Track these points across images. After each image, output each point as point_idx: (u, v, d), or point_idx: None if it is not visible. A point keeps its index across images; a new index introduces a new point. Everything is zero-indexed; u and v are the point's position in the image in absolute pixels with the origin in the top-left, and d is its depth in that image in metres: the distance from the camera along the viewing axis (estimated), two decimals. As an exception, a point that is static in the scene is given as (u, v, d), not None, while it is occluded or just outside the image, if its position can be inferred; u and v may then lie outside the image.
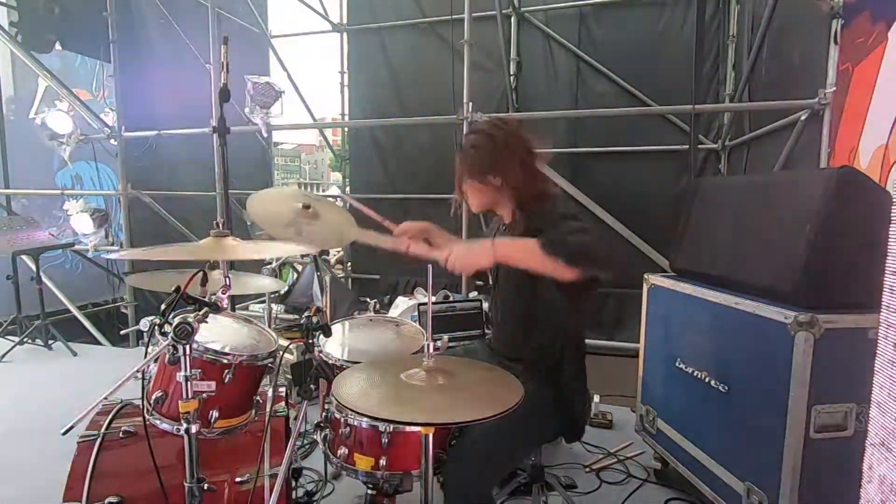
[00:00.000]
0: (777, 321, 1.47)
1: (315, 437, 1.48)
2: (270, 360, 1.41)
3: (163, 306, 1.17)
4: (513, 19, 4.92)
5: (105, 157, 4.59)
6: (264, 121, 3.64)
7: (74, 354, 3.73)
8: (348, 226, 1.58)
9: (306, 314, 1.40)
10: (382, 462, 1.31)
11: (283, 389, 1.63)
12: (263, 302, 4.04)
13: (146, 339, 1.29)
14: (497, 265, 1.55)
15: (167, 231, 4.52)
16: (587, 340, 1.62)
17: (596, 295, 1.38)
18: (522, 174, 1.45)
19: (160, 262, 1.35)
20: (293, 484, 1.61)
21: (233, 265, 1.63)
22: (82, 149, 4.48)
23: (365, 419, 1.30)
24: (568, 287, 1.28)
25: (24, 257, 3.87)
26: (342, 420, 1.36)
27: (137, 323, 4.16)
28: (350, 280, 5.73)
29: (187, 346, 1.15)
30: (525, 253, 1.26)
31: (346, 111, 5.85)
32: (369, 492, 1.45)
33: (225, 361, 1.30)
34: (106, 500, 1.32)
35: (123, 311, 4.51)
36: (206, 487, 1.26)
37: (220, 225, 1.38)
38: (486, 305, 2.61)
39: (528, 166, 1.48)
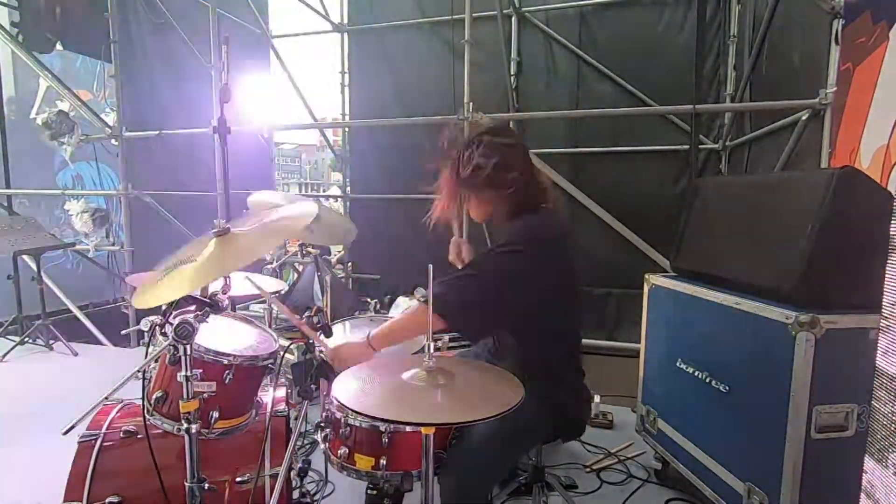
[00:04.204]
0: (778, 321, 1.47)
1: (315, 437, 1.48)
2: (271, 360, 1.41)
3: (163, 306, 1.17)
4: (513, 19, 4.91)
5: (106, 157, 4.59)
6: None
7: (75, 354, 3.73)
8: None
9: (307, 314, 1.40)
10: (383, 462, 1.31)
11: (283, 389, 1.63)
12: (264, 302, 4.04)
13: (147, 340, 1.29)
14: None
15: (168, 231, 4.52)
16: (588, 340, 1.63)
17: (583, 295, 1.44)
18: (522, 184, 1.47)
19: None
20: (296, 483, 1.61)
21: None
22: (83, 148, 4.48)
23: (365, 419, 1.30)
24: (547, 293, 1.37)
25: (24, 257, 3.87)
26: (342, 420, 1.37)
27: (138, 323, 4.13)
28: (350, 280, 5.73)
29: (188, 347, 1.15)
30: (409, 327, 1.41)
31: (347, 111, 5.85)
32: (370, 492, 1.45)
33: (225, 362, 1.30)
34: (106, 501, 1.33)
35: (124, 311, 4.50)
36: (206, 487, 1.26)
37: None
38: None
39: (528, 175, 1.49)
